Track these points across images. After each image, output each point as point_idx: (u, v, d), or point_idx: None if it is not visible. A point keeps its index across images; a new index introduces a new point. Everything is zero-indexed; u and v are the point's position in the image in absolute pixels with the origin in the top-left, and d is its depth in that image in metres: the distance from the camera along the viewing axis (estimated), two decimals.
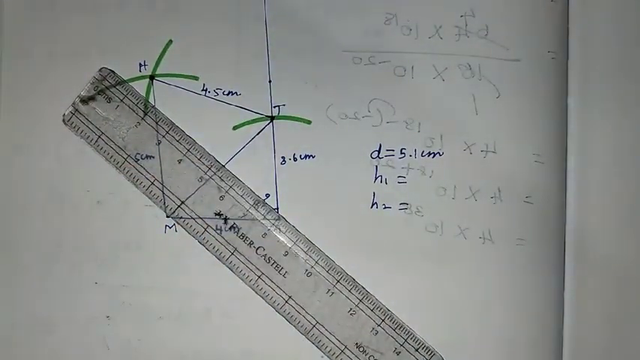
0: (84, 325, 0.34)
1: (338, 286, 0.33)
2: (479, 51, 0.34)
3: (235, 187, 0.33)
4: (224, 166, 0.34)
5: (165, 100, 0.34)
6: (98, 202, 0.34)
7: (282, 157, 0.34)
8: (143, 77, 0.34)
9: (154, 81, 0.34)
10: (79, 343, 0.34)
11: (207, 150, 0.34)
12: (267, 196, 0.34)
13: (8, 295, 0.34)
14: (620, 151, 0.35)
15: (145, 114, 0.34)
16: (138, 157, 0.34)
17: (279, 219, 0.33)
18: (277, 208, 0.34)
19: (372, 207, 0.34)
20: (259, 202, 0.33)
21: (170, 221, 0.34)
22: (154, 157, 0.34)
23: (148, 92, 0.34)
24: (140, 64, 0.34)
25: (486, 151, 0.34)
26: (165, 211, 0.33)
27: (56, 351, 0.34)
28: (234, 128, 0.34)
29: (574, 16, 0.35)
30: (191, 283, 0.33)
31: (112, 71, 0.34)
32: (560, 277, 0.34)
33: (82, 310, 0.34)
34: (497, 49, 0.34)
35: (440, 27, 0.34)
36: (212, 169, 0.33)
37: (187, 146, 0.34)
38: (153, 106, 0.34)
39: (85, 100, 0.33)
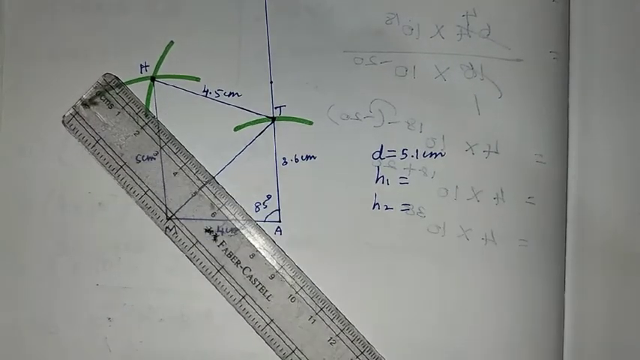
0: (85, 326, 0.34)
1: (320, 314, 0.33)
2: (481, 51, 0.34)
3: (228, 206, 0.33)
4: (219, 183, 0.34)
5: (167, 101, 0.34)
6: (99, 203, 0.34)
7: (284, 158, 0.34)
8: (144, 78, 0.34)
9: (155, 82, 0.34)
10: (80, 345, 0.34)
11: (208, 151, 0.34)
12: (269, 197, 0.34)
13: (10, 297, 0.34)
14: (622, 152, 0.35)
15: (146, 123, 0.34)
16: (139, 158, 0.34)
17: (268, 241, 0.33)
18: (279, 209, 0.34)
19: (373, 208, 0.34)
20: (250, 223, 0.33)
21: (171, 223, 0.34)
22: (152, 166, 0.33)
23: (149, 94, 0.34)
24: (141, 66, 0.34)
25: (488, 152, 0.34)
26: (155, 223, 0.33)
27: (58, 352, 0.34)
28: (236, 129, 0.34)
29: (575, 16, 0.35)
30: (192, 284, 0.33)
31: (117, 77, 0.34)
32: (561, 278, 0.34)
33: (84, 312, 0.34)
34: (499, 49, 0.34)
35: (441, 27, 0.34)
36: (207, 185, 0.33)
37: (184, 159, 0.34)
38: (154, 117, 0.34)
39: (86, 104, 0.33)
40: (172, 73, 0.34)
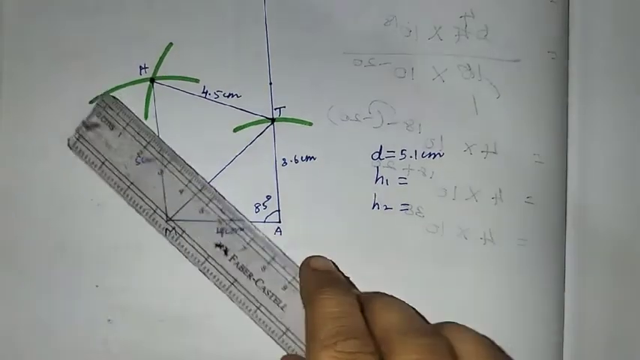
0: (85, 327, 0.34)
1: None
2: (479, 52, 0.34)
3: (236, 221, 0.33)
4: (224, 198, 0.34)
5: (166, 102, 0.34)
6: (99, 204, 0.34)
7: (284, 159, 0.34)
8: (143, 80, 0.34)
9: (155, 84, 0.34)
10: (79, 346, 0.34)
11: (207, 152, 0.34)
12: (269, 197, 0.34)
13: (9, 298, 0.34)
14: (621, 151, 0.35)
15: (148, 142, 0.34)
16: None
17: (278, 253, 0.33)
18: (279, 210, 0.34)
19: (373, 208, 0.34)
20: (259, 236, 0.33)
21: (171, 224, 0.34)
22: (155, 188, 0.34)
23: (148, 95, 0.34)
24: (140, 67, 0.34)
25: (487, 152, 0.34)
26: (167, 239, 0.33)
27: (57, 354, 0.34)
28: (235, 130, 0.34)
29: (574, 16, 0.35)
30: (192, 285, 0.33)
31: (115, 97, 0.34)
32: (561, 278, 0.34)
33: (83, 313, 0.34)
34: (497, 50, 0.34)
35: (439, 28, 0.34)
36: (213, 201, 0.33)
37: (189, 177, 0.34)
38: (156, 136, 0.34)
39: (88, 127, 0.34)
40: (172, 75, 0.34)
